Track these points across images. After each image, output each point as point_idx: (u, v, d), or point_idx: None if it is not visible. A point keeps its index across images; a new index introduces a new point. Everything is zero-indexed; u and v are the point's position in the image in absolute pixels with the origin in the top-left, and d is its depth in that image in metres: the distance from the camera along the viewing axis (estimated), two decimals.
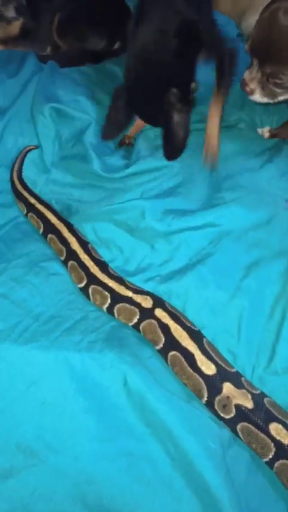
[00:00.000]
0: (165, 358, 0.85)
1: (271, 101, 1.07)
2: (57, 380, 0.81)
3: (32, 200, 1.06)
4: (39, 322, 0.88)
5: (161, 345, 0.85)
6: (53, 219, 1.02)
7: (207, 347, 0.83)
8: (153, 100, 1.04)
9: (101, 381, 0.81)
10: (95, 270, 0.94)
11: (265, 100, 1.07)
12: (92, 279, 0.93)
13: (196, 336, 0.85)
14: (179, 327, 0.85)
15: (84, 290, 0.94)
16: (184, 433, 0.74)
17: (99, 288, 0.92)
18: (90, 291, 0.93)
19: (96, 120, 1.22)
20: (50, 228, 1.02)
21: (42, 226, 1.03)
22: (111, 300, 0.91)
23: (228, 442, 0.77)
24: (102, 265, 0.96)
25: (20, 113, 1.20)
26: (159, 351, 0.86)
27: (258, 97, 1.06)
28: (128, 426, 0.77)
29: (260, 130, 1.29)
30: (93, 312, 0.93)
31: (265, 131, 1.28)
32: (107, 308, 0.92)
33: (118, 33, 1.42)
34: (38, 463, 0.74)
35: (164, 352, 0.85)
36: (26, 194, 1.06)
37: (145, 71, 1.03)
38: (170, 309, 0.88)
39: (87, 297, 0.93)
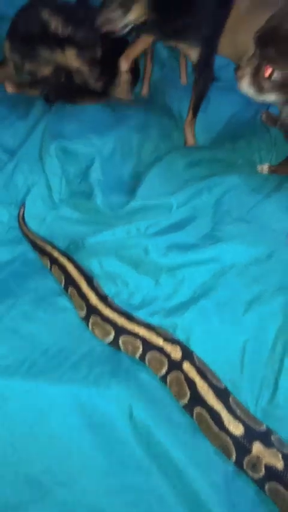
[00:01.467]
0: (191, 415, 0.83)
1: (255, 96, 1.05)
2: (65, 414, 0.82)
3: (56, 253, 1.07)
4: (47, 357, 0.89)
5: (186, 400, 0.84)
6: (74, 273, 1.02)
7: (233, 406, 0.81)
8: None
9: (107, 415, 0.82)
10: (122, 321, 0.93)
11: (250, 91, 1.04)
12: (121, 331, 0.93)
13: (222, 394, 0.83)
14: (205, 384, 0.83)
15: (114, 343, 0.93)
16: (189, 467, 0.75)
17: (131, 338, 0.92)
18: (120, 342, 0.93)
19: (101, 156, 1.26)
20: (70, 281, 1.02)
21: (63, 279, 1.03)
22: (142, 349, 0.91)
23: (233, 476, 0.77)
24: (127, 315, 0.95)
25: (29, 153, 1.25)
26: (184, 406, 0.84)
27: (245, 85, 1.04)
28: (134, 460, 0.77)
29: (259, 167, 1.32)
30: (99, 345, 0.94)
31: (265, 168, 1.32)
32: (139, 357, 0.91)
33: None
34: (45, 497, 0.75)
35: (189, 408, 0.84)
36: (48, 248, 1.08)
37: None
38: (197, 363, 0.87)
39: (118, 348, 0.92)
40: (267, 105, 1.56)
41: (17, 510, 0.73)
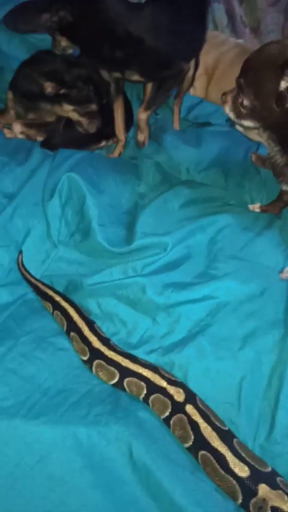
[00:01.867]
0: (196, 457, 0.84)
1: (236, 120, 1.15)
2: (65, 455, 0.82)
3: (57, 298, 1.09)
4: (47, 397, 0.90)
5: (190, 443, 0.85)
6: (76, 317, 1.04)
7: (238, 448, 0.82)
8: None
9: (107, 455, 0.83)
10: (126, 362, 0.95)
11: (231, 115, 1.15)
12: (126, 372, 0.94)
13: (226, 436, 0.83)
14: (208, 427, 0.84)
15: (119, 384, 0.94)
16: (189, 506, 0.75)
17: (135, 379, 0.93)
18: (125, 384, 0.94)
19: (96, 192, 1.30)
20: (72, 326, 1.03)
21: (65, 323, 1.05)
22: (147, 390, 0.91)
23: None
24: (131, 357, 0.97)
25: (28, 196, 1.28)
26: (188, 448, 0.85)
27: (227, 109, 1.15)
28: (134, 500, 0.78)
29: (251, 207, 1.36)
30: (98, 385, 0.95)
31: (256, 207, 1.36)
32: (143, 398, 0.92)
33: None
34: None
35: (193, 451, 0.84)
36: (51, 293, 1.10)
37: None
38: (200, 405, 0.88)
39: (123, 389, 0.93)
40: (256, 147, 1.63)
41: None
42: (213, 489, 0.80)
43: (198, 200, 1.32)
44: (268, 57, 1.06)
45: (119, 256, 1.17)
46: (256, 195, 1.42)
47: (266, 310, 1.05)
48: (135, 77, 1.45)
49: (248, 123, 1.14)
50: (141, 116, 1.55)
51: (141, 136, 1.58)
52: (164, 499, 0.77)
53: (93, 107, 1.49)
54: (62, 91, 1.46)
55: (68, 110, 1.49)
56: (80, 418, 0.86)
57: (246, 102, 1.09)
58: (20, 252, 1.17)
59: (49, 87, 1.44)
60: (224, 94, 1.15)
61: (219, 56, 1.78)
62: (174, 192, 1.34)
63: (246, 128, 1.21)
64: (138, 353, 1.01)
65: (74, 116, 1.50)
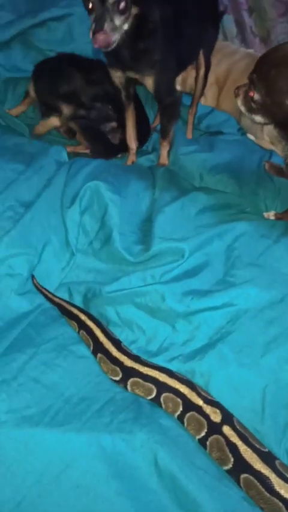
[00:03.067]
0: (237, 480, 0.82)
1: (247, 114, 1.19)
2: (90, 463, 0.82)
3: (83, 317, 1.07)
4: (70, 405, 0.90)
5: (230, 465, 0.83)
6: (102, 338, 1.02)
7: (281, 469, 0.80)
8: None
9: (132, 463, 0.82)
10: (163, 377, 0.93)
11: (242, 108, 1.19)
12: (163, 387, 0.93)
13: (267, 458, 0.81)
14: (248, 449, 0.82)
15: (156, 399, 0.93)
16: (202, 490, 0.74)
17: (171, 395, 0.92)
18: (162, 399, 0.92)
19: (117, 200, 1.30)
20: (99, 347, 1.02)
21: (91, 344, 1.03)
22: (182, 408, 0.90)
23: None
24: (168, 371, 0.95)
25: (46, 204, 1.28)
26: (228, 471, 0.83)
27: (239, 102, 1.18)
28: (161, 508, 0.77)
29: (266, 215, 1.37)
30: (120, 392, 0.95)
31: (271, 215, 1.36)
32: (179, 415, 0.91)
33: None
34: None
35: (234, 474, 0.82)
36: (76, 311, 1.09)
37: None
38: (238, 427, 0.86)
39: (159, 405, 0.92)
40: (269, 155, 1.64)
41: None
42: (241, 497, 0.79)
43: (214, 207, 1.33)
44: (283, 56, 1.08)
45: (138, 263, 1.17)
46: (270, 203, 1.42)
47: (286, 316, 1.04)
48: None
49: (258, 118, 1.17)
50: (163, 144, 1.54)
51: (163, 160, 1.57)
52: (191, 507, 0.76)
53: (114, 124, 1.51)
54: (80, 112, 1.49)
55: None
56: (103, 425, 0.86)
57: (257, 97, 1.12)
58: (33, 277, 1.15)
59: (67, 110, 1.46)
60: (237, 88, 1.18)
61: (231, 65, 1.80)
62: (191, 198, 1.34)
63: (258, 123, 1.23)
64: (159, 361, 1.01)
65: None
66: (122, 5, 1.16)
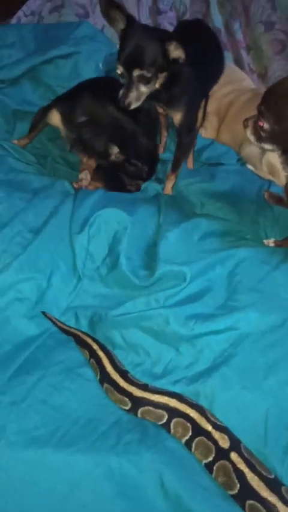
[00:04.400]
0: (242, 506, 0.82)
1: (256, 142, 1.26)
2: (97, 483, 0.83)
3: (95, 346, 1.08)
4: (77, 426, 0.91)
5: (236, 491, 0.83)
6: (109, 368, 1.03)
7: (287, 495, 0.80)
8: None
9: (138, 483, 0.83)
10: (173, 403, 0.95)
11: (252, 138, 1.26)
12: (174, 413, 0.94)
13: (274, 485, 0.82)
14: (255, 476, 0.82)
15: (166, 425, 0.94)
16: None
17: (182, 420, 0.93)
18: (172, 425, 0.93)
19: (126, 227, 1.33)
20: (105, 377, 1.02)
21: (98, 373, 1.03)
22: (192, 432, 0.91)
23: None
24: (178, 396, 0.96)
25: (54, 231, 1.30)
26: (233, 496, 0.83)
27: (248, 132, 1.26)
28: None
29: (266, 242, 1.40)
30: (125, 414, 0.96)
31: (270, 242, 1.40)
32: (187, 441, 0.91)
33: None
34: None
35: (239, 499, 0.83)
36: (89, 341, 1.10)
37: None
38: (245, 454, 0.87)
39: (168, 431, 0.93)
40: (268, 185, 1.68)
41: None
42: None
43: (216, 233, 1.36)
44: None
45: (143, 287, 1.19)
46: (270, 231, 1.46)
47: (287, 340, 1.06)
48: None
49: (267, 145, 1.25)
50: (171, 177, 1.61)
51: (167, 191, 1.62)
52: None
53: (140, 182, 1.57)
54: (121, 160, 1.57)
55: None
56: (110, 447, 0.87)
57: (266, 126, 1.19)
58: (44, 313, 1.17)
59: (113, 154, 1.53)
60: (246, 120, 1.26)
61: (233, 99, 1.86)
62: (193, 224, 1.38)
63: (267, 150, 1.31)
64: (164, 383, 1.02)
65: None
66: (147, 78, 1.32)
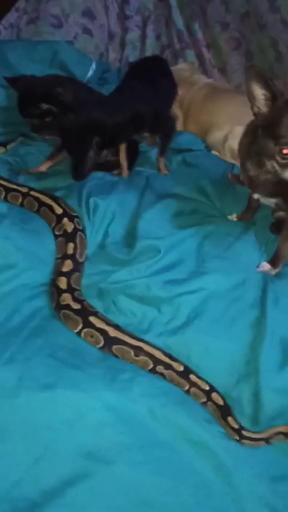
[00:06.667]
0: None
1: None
2: (100, 413, 1.00)
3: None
4: (79, 372, 1.07)
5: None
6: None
7: None
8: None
9: (132, 411, 1.01)
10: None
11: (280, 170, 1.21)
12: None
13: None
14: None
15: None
16: (193, 425, 0.98)
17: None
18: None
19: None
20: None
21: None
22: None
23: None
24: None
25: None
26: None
27: (278, 169, 1.21)
28: (155, 438, 0.98)
29: (229, 217, 1.59)
30: (117, 361, 1.15)
31: (233, 217, 1.59)
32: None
33: None
34: (92, 474, 0.93)
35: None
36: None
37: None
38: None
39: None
40: (231, 167, 1.87)
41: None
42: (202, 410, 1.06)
43: (185, 212, 1.55)
44: None
45: (126, 261, 1.38)
46: (233, 207, 1.63)
47: (246, 295, 1.26)
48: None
49: None
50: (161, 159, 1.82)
51: (164, 170, 1.83)
52: (181, 434, 0.97)
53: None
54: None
55: None
56: (107, 385, 1.04)
57: None
58: None
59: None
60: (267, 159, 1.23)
61: (193, 95, 2.03)
62: (165, 205, 1.57)
63: None
64: (149, 337, 1.20)
65: None
66: None
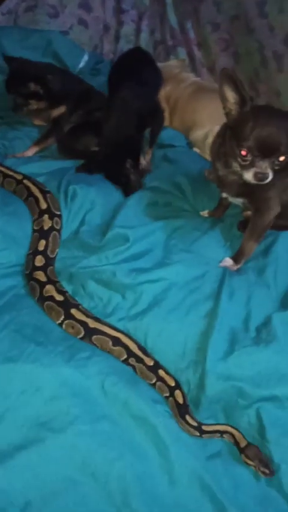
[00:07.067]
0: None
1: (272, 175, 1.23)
2: (56, 387, 1.09)
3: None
4: (40, 348, 1.15)
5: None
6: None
7: None
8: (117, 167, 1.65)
9: (86, 386, 1.10)
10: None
11: (271, 175, 1.22)
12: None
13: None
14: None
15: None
16: (139, 402, 1.06)
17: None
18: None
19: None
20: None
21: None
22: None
23: None
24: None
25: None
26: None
27: (271, 175, 1.22)
28: (103, 413, 1.06)
29: (201, 212, 1.65)
30: (78, 341, 1.22)
31: (205, 213, 1.65)
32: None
33: None
34: (44, 439, 1.01)
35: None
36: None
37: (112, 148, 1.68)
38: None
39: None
40: (209, 165, 1.92)
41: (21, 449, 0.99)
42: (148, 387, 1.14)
43: (158, 204, 1.61)
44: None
45: (97, 248, 1.45)
46: (206, 204, 1.69)
47: (204, 287, 1.33)
48: None
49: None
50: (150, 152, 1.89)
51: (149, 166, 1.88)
52: (127, 410, 1.06)
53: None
54: None
55: None
56: (65, 362, 1.12)
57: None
58: None
59: None
60: (261, 174, 1.22)
61: (180, 92, 2.08)
62: (139, 196, 1.63)
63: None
64: (112, 320, 1.28)
65: None
66: None
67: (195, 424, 1.09)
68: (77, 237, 1.52)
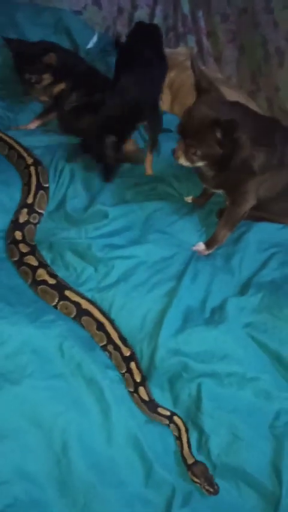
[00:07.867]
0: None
1: (190, 165, 1.40)
2: (19, 344, 1.17)
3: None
4: (9, 307, 1.24)
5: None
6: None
7: None
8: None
9: (45, 346, 1.18)
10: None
11: (186, 163, 1.40)
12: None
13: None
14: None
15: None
16: (92, 366, 1.15)
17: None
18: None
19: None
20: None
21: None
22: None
23: None
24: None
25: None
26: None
27: (182, 161, 1.40)
28: (57, 371, 1.14)
29: (186, 198, 1.69)
30: (46, 306, 1.30)
31: (189, 199, 1.68)
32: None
33: None
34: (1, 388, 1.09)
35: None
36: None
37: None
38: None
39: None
40: None
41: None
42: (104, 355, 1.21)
43: (144, 187, 1.66)
44: (201, 121, 1.33)
45: (79, 221, 1.50)
46: (191, 190, 1.72)
47: (170, 268, 1.39)
48: None
49: (199, 163, 1.40)
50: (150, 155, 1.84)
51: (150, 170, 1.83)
52: (79, 371, 1.14)
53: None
54: None
55: None
56: (31, 322, 1.20)
57: (199, 152, 1.36)
58: None
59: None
60: (175, 152, 1.40)
61: (183, 80, 2.08)
62: (127, 177, 1.68)
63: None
64: (82, 289, 1.35)
65: None
66: None
67: (168, 413, 1.11)
68: (62, 209, 1.57)
